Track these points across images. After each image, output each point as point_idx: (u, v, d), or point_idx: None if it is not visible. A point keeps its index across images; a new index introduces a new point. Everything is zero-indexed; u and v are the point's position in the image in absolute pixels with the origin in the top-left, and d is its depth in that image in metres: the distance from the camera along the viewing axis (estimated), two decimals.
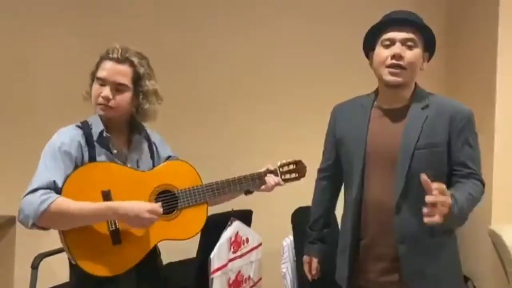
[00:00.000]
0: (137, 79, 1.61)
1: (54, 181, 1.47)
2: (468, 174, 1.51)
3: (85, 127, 1.58)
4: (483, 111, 2.45)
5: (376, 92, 1.65)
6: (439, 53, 2.83)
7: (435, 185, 1.28)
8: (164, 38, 2.82)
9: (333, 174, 1.79)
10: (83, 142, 1.55)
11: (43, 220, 1.43)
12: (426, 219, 1.28)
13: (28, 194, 1.44)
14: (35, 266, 2.27)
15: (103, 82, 1.57)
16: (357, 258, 1.61)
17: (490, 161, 2.39)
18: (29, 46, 2.76)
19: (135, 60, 1.59)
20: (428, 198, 1.27)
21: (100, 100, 1.57)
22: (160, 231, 1.62)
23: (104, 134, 1.58)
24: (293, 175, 1.90)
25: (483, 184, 1.54)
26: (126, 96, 1.60)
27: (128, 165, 1.64)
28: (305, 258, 1.84)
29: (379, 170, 1.55)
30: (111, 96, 1.56)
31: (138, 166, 1.67)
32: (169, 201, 1.66)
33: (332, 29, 2.91)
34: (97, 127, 1.58)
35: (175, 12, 2.86)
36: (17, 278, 2.79)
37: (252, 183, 1.81)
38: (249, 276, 2.24)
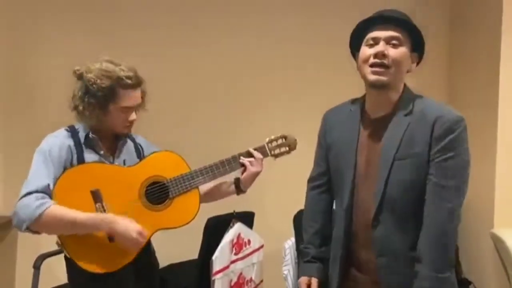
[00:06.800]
0: (142, 90, 1.69)
1: (48, 185, 1.50)
2: (435, 189, 1.38)
3: (72, 131, 1.62)
4: (485, 113, 2.45)
5: (364, 96, 1.57)
6: (442, 50, 2.90)
7: None
8: (165, 38, 2.84)
9: (326, 183, 1.66)
10: (71, 144, 1.58)
11: (37, 225, 1.46)
12: None
13: (22, 197, 1.47)
14: (37, 267, 2.28)
15: (129, 109, 1.62)
16: (348, 270, 1.54)
17: (493, 165, 2.39)
18: (33, 46, 2.77)
19: (141, 76, 1.65)
20: None
21: (128, 124, 1.65)
22: (153, 222, 1.64)
23: (90, 135, 1.61)
24: (283, 149, 1.88)
25: (453, 213, 1.37)
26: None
27: (116, 164, 1.67)
28: (303, 279, 1.62)
29: (366, 182, 1.49)
30: (135, 117, 1.66)
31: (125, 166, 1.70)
32: (159, 191, 1.68)
33: (333, 27, 2.88)
34: (83, 131, 1.62)
35: (175, 10, 2.87)
36: (19, 279, 2.79)
37: (243, 157, 1.80)
38: (251, 278, 2.24)
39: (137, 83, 1.60)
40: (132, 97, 1.60)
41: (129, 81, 1.56)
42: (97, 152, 1.62)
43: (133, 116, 1.63)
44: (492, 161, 2.39)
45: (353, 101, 1.63)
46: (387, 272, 1.44)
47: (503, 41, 2.37)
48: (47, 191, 1.49)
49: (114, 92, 1.55)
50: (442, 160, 1.38)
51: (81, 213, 1.49)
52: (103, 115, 1.59)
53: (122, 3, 2.82)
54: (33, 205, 1.44)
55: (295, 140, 1.89)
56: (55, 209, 1.46)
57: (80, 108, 1.58)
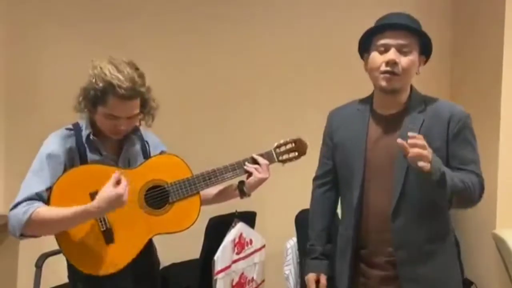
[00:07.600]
0: (143, 103, 1.62)
1: (37, 193, 1.49)
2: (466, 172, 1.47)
3: (76, 129, 1.61)
4: (488, 115, 2.45)
5: (372, 96, 1.61)
6: (445, 48, 2.89)
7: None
8: (167, 41, 2.84)
9: (331, 181, 1.71)
10: (73, 145, 1.57)
11: (28, 230, 1.47)
12: (410, 158, 1.30)
13: (13, 208, 1.49)
14: (39, 266, 2.28)
15: (116, 117, 1.55)
16: (357, 266, 1.57)
17: (495, 165, 2.38)
18: (38, 48, 2.77)
19: (142, 89, 1.57)
20: (410, 140, 1.30)
21: (117, 131, 1.58)
22: (152, 226, 1.62)
23: (91, 137, 1.59)
24: (292, 155, 1.80)
25: (481, 181, 1.48)
26: (137, 119, 1.63)
27: (119, 166, 1.64)
28: (311, 275, 1.66)
29: (379, 178, 1.52)
30: (126, 127, 1.59)
31: (129, 166, 1.67)
32: (159, 196, 1.65)
33: (335, 26, 2.90)
34: (86, 130, 1.60)
35: (175, 13, 2.87)
36: (21, 278, 2.79)
37: (248, 163, 1.73)
38: (252, 278, 2.24)
39: (129, 95, 1.51)
40: (120, 108, 1.53)
41: (120, 91, 1.49)
42: (100, 153, 1.61)
43: (123, 126, 1.56)
44: (494, 161, 2.38)
45: (360, 101, 1.65)
46: (408, 265, 1.48)
47: (506, 36, 2.37)
48: (35, 198, 1.49)
49: (104, 96, 1.52)
50: (465, 151, 1.48)
51: (67, 209, 1.47)
52: (93, 113, 1.58)
53: (125, 6, 2.82)
54: (20, 212, 1.45)
55: (306, 144, 1.82)
56: (41, 210, 1.46)
57: (80, 98, 1.58)
